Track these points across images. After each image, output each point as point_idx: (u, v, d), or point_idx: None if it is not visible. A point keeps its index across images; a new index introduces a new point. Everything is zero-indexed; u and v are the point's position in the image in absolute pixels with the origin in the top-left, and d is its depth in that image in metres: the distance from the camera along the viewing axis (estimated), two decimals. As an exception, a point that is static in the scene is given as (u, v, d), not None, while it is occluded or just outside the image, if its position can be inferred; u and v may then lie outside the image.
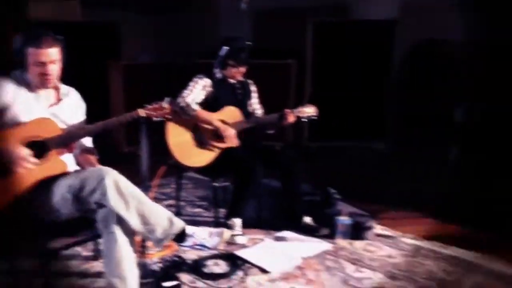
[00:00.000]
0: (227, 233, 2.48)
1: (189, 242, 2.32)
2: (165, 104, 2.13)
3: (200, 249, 2.48)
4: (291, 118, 2.74)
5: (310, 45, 4.87)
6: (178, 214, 2.97)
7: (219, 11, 6.52)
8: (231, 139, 2.67)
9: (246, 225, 2.76)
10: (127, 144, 4.66)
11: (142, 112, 2.07)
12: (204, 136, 2.70)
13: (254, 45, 6.46)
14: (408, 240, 2.70)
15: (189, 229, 2.10)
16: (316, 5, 5.65)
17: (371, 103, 4.96)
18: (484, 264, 2.40)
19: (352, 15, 5.68)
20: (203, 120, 2.67)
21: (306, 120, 2.84)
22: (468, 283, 2.21)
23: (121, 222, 1.83)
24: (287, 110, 2.74)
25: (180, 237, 1.94)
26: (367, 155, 4.83)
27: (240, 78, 2.83)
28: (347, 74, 4.90)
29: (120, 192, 1.81)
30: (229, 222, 2.67)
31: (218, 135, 2.71)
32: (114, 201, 1.80)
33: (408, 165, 4.51)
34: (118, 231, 1.83)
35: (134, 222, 1.84)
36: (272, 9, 6.25)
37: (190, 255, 2.43)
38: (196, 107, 2.64)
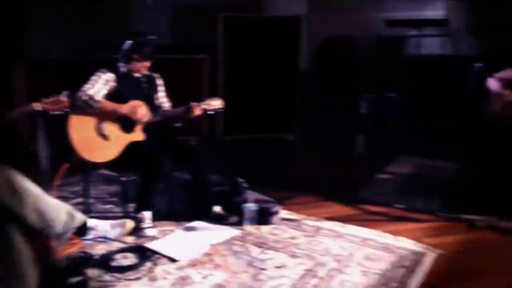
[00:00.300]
0: (129, 223, 2.50)
1: (91, 235, 2.31)
2: (63, 97, 2.10)
3: (102, 241, 2.47)
4: (197, 111, 2.81)
5: (221, 40, 4.97)
6: (87, 211, 2.92)
7: (133, 6, 6.41)
8: (144, 115, 2.69)
9: (158, 218, 2.79)
10: (33, 143, 4.44)
11: (37, 106, 2.02)
12: (112, 127, 2.68)
13: (171, 40, 6.42)
14: (311, 222, 2.90)
15: (91, 222, 2.09)
16: (231, 1, 5.78)
17: (281, 96, 5.18)
18: (375, 238, 2.66)
19: (267, 11, 5.90)
20: (109, 109, 2.64)
21: (213, 112, 2.92)
22: (360, 255, 2.45)
23: (18, 219, 1.79)
24: (194, 104, 2.81)
25: (82, 230, 1.94)
26: (279, 146, 5.05)
27: (146, 72, 2.85)
28: (258, 69, 5.06)
29: (13, 189, 1.77)
30: (139, 215, 2.68)
31: (125, 127, 2.70)
32: (8, 199, 1.76)
33: (317, 154, 4.79)
34: (14, 229, 1.78)
35: (31, 218, 1.81)
36: (188, 4, 6.28)
37: (99, 250, 2.42)
38: (99, 98, 2.61)
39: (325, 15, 6.27)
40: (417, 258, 2.42)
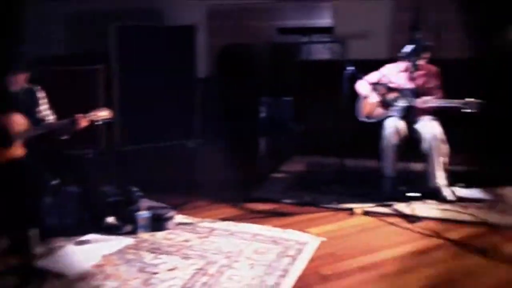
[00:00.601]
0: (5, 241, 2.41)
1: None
2: None
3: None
4: (83, 123, 2.78)
5: (115, 50, 4.90)
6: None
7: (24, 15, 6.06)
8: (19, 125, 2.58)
9: (49, 234, 2.71)
10: None
11: None
12: None
13: (66, 50, 6.14)
14: (206, 224, 3.00)
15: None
16: (130, 9, 5.71)
17: (181, 104, 5.23)
18: (265, 233, 2.83)
19: (167, 20, 5.93)
20: None
21: (100, 123, 2.90)
22: (249, 250, 2.60)
23: None
24: (79, 115, 2.77)
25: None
26: (180, 153, 5.09)
27: (24, 85, 2.75)
28: (156, 78, 5.07)
29: None
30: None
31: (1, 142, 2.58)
32: None
33: (218, 159, 4.91)
34: None
35: None
36: (83, 13, 6.08)
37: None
38: None
39: (223, 23, 6.45)
40: (301, 247, 2.63)
